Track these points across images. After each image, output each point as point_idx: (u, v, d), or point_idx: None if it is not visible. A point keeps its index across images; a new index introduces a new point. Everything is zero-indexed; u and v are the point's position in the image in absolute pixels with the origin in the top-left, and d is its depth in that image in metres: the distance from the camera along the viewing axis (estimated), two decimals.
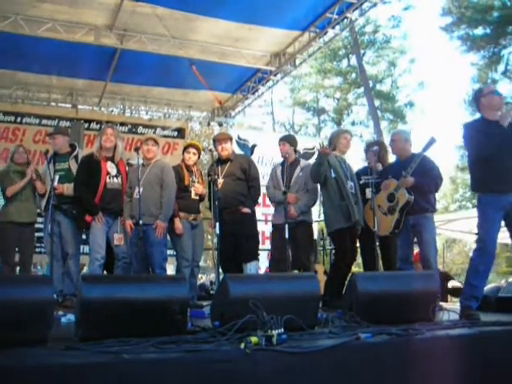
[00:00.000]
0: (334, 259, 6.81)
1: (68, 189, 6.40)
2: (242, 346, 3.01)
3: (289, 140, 6.90)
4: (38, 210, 7.01)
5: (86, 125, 11.09)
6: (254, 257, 6.54)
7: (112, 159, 6.39)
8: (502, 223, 5.01)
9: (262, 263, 8.04)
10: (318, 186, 6.64)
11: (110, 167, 6.33)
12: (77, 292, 3.92)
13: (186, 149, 6.79)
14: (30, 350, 2.96)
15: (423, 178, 5.76)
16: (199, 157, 6.88)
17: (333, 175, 6.26)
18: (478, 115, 5.28)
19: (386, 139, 7.04)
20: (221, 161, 6.72)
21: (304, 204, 6.61)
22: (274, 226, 6.80)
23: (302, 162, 6.90)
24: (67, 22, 8.50)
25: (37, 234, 7.45)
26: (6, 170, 7.03)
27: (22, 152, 7.06)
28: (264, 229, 9.56)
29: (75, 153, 6.72)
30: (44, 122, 10.77)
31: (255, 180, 6.71)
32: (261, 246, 7.34)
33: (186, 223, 6.41)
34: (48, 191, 6.48)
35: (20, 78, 10.46)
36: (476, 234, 5.02)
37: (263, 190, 7.13)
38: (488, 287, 5.87)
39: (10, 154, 7.15)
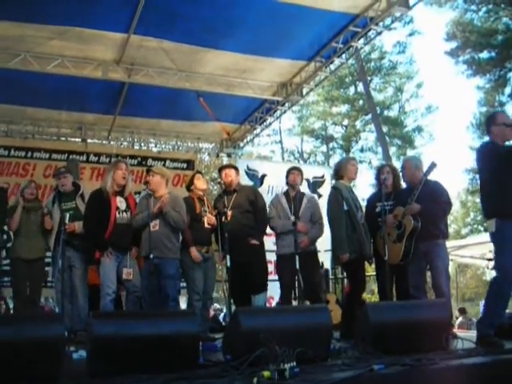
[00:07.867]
0: (349, 290, 6.73)
1: (79, 227, 6.39)
2: (255, 380, 3.00)
3: (301, 171, 6.87)
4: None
5: (96, 158, 11.20)
6: (263, 288, 6.53)
7: (121, 193, 6.38)
8: None
9: (275, 293, 7.96)
10: (325, 219, 6.61)
11: (120, 202, 6.30)
12: (87, 328, 3.91)
13: (193, 176, 6.78)
14: None
15: (430, 203, 5.75)
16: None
17: (345, 208, 6.23)
18: (485, 138, 5.24)
19: (395, 165, 7.01)
20: (227, 192, 6.71)
21: (315, 235, 6.63)
22: (280, 256, 6.63)
23: (308, 194, 6.92)
24: (75, 58, 8.59)
25: (47, 268, 7.44)
26: (14, 205, 7.08)
27: (33, 187, 7.11)
28: (275, 258, 9.50)
29: (80, 192, 6.76)
30: (54, 156, 10.85)
31: (262, 211, 6.71)
32: (272, 276, 7.28)
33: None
34: (56, 228, 6.49)
35: (30, 113, 10.55)
36: (489, 259, 4.95)
37: None
38: None
39: (21, 189, 7.19)
